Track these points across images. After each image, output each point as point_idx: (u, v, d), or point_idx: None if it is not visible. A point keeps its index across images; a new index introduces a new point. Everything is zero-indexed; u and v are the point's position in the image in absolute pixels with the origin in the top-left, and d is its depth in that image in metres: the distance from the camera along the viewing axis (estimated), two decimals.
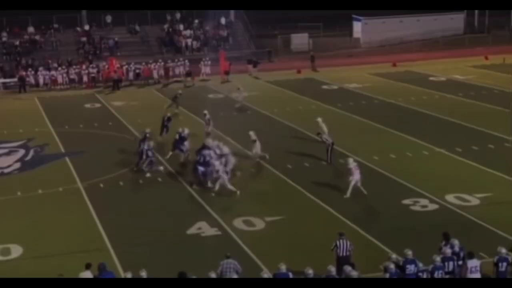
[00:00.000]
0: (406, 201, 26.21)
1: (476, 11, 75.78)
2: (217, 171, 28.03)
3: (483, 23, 75.13)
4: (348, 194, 26.78)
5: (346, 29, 72.31)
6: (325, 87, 50.60)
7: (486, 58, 60.13)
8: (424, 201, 26.19)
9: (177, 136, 32.07)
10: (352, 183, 26.86)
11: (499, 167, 29.62)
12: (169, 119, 36.04)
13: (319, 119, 33.93)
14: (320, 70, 57.11)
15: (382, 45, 69.26)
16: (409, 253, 18.28)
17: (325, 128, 33.22)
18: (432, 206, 25.76)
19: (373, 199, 26.77)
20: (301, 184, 28.59)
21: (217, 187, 27.80)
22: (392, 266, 17.75)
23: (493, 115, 39.75)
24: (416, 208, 25.70)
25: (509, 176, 28.45)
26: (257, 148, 31.51)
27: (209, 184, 28.35)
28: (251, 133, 31.80)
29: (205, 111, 36.39)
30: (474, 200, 26.18)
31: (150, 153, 30.59)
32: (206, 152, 29.02)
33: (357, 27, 72.14)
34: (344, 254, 19.36)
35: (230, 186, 27.67)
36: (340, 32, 71.61)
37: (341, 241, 19.54)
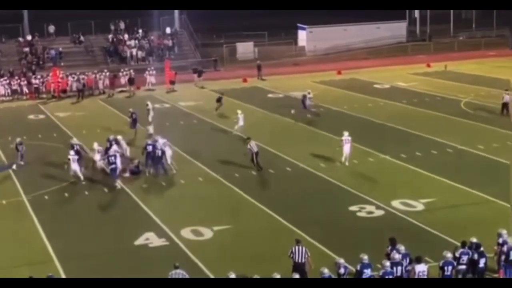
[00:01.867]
0: (353, 208, 26.46)
1: (418, 20, 77.27)
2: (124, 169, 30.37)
3: (424, 31, 76.57)
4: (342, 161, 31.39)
5: (291, 37, 72.85)
6: (270, 95, 50.81)
7: (428, 65, 61.27)
8: (370, 207, 26.48)
9: (108, 144, 31.75)
10: (343, 156, 30.57)
11: (442, 173, 30.13)
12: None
13: (239, 111, 38.09)
14: (266, 78, 57.33)
15: (327, 53, 69.92)
16: (365, 257, 18.58)
17: (241, 122, 37.24)
18: (378, 212, 26.07)
19: (320, 206, 26.97)
20: (248, 192, 28.62)
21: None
22: (326, 271, 18.04)
23: (435, 121, 40.43)
24: (362, 214, 25.96)
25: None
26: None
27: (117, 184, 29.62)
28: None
29: (148, 102, 40.65)
30: (419, 206, 26.56)
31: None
32: (112, 150, 30.63)
33: (302, 36, 72.73)
34: (300, 260, 19.61)
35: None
36: (285, 40, 72.06)
37: (297, 247, 19.76)
